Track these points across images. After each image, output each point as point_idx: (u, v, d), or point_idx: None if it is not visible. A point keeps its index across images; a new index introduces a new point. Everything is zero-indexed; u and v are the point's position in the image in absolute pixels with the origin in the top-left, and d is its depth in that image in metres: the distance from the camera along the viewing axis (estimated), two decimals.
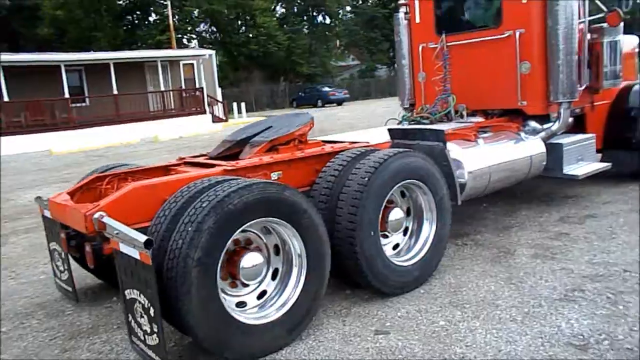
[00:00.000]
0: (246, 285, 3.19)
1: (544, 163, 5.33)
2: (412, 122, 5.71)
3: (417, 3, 6.33)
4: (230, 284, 3.16)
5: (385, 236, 3.96)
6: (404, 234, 4.08)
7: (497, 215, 5.71)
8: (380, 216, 3.63)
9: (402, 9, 6.65)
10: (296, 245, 3.23)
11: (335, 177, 3.73)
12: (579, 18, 5.78)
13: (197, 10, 41.76)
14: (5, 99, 20.10)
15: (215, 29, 45.23)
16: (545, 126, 5.53)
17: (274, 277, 3.32)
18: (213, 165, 3.87)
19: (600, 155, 6.52)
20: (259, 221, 3.05)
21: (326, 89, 39.47)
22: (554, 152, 5.59)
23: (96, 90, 22.73)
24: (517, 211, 5.78)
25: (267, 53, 43.22)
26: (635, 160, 6.35)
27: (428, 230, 4.02)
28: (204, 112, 24.32)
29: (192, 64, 25.86)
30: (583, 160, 5.82)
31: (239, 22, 43.86)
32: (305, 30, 49.39)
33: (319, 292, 3.31)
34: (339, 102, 38.45)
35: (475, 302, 3.61)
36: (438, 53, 5.92)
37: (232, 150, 4.27)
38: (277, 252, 3.33)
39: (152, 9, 39.57)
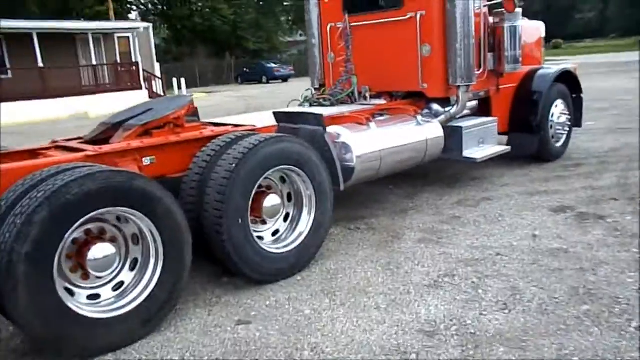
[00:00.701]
0: (99, 277, 3.04)
1: (442, 146, 5.36)
2: (314, 104, 5.63)
3: None
4: (82, 275, 3.00)
5: (264, 222, 3.89)
6: (285, 220, 4.01)
7: (399, 197, 5.74)
8: (249, 203, 3.54)
9: None
10: (154, 234, 3.10)
11: (207, 162, 3.60)
12: (479, 2, 5.83)
13: None
14: None
15: (157, 1, 43.58)
16: (445, 109, 5.57)
17: (132, 268, 3.18)
18: (80, 150, 3.66)
19: (505, 138, 6.70)
20: (106, 210, 2.90)
21: (271, 65, 38.93)
22: (454, 135, 5.65)
23: (21, 62, 21.46)
24: (419, 194, 5.83)
25: (211, 27, 42.12)
26: (536, 142, 6.52)
27: (307, 217, 3.96)
28: (140, 88, 23.46)
29: (128, 37, 24.81)
30: (484, 143, 5.91)
31: None
32: (254, 4, 48.29)
33: (178, 282, 3.20)
34: (284, 79, 38.04)
35: (347, 290, 3.60)
36: (341, 33, 5.82)
37: (107, 133, 4.06)
38: (136, 242, 3.18)
39: None
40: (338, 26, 6.09)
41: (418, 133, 5.09)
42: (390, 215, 5.15)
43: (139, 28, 24.91)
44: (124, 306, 3.02)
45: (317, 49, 6.57)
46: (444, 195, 5.71)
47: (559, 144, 6.99)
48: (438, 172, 6.71)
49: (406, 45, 5.54)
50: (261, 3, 48.54)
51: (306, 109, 4.81)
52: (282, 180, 3.97)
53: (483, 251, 4.10)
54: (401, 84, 5.78)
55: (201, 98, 25.59)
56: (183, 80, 27.16)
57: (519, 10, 5.98)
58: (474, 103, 6.18)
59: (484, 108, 6.33)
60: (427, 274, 3.76)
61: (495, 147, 5.95)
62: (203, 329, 3.18)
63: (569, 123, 7.06)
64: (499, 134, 6.65)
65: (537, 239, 4.27)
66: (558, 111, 6.81)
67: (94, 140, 4.02)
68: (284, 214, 4.00)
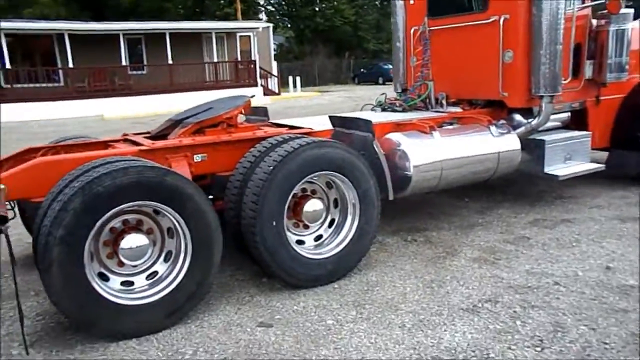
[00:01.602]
0: (134, 266, 3.23)
1: (517, 160, 4.96)
2: (386, 109, 5.50)
3: None
4: (118, 262, 3.21)
5: (307, 226, 3.88)
6: (330, 226, 3.97)
7: (471, 211, 5.42)
8: (286, 207, 3.54)
9: None
10: (184, 229, 3.23)
11: (251, 163, 3.67)
12: (582, 3, 5.32)
13: None
14: (71, 65, 21.25)
15: (281, 2, 45.31)
16: (526, 121, 5.16)
17: (166, 259, 3.34)
18: (138, 145, 3.92)
19: (605, 155, 6.04)
20: (139, 203, 3.07)
21: (388, 66, 38.62)
22: (536, 149, 5.22)
23: (155, 59, 23.51)
24: (494, 209, 5.46)
25: (333, 27, 42.89)
26: None
27: (350, 224, 3.88)
28: (256, 85, 24.55)
29: (249, 36, 26.09)
30: (572, 159, 5.39)
31: None
32: (375, 5, 48.36)
33: (204, 278, 3.30)
34: None
35: (379, 303, 3.47)
36: (419, 36, 5.62)
37: (170, 129, 4.29)
38: (171, 235, 3.33)
39: None
40: (421, 30, 5.90)
41: (489, 145, 4.75)
42: (454, 230, 4.88)
43: (258, 28, 26.09)
44: (152, 295, 3.18)
45: (401, 52, 6.39)
46: (521, 213, 5.28)
47: None
48: (523, 187, 6.23)
49: (488, 50, 5.20)
50: (383, 4, 48.40)
51: (357, 113, 4.70)
52: (329, 185, 3.92)
53: (540, 278, 3.73)
54: (480, 92, 5.44)
55: (312, 97, 26.23)
56: (298, 79, 27.97)
57: (628, 11, 5.35)
58: (565, 115, 5.65)
59: (579, 121, 5.76)
60: (469, 296, 3.50)
61: (584, 165, 5.38)
62: (225, 327, 3.25)
63: None
64: (601, 149, 6.05)
65: (610, 272, 3.79)
66: None
67: (158, 136, 4.27)
68: (329, 219, 3.96)
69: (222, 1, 39.86)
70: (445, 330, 3.07)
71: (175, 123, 4.27)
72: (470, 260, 4.12)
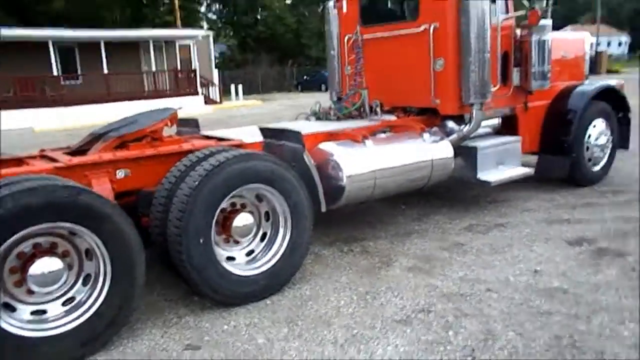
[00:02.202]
0: (47, 293, 3.00)
1: (451, 167, 5.01)
2: (320, 118, 5.45)
3: None
4: (27, 291, 2.96)
5: (237, 242, 3.74)
6: (262, 240, 3.85)
7: (407, 219, 5.43)
8: (213, 222, 3.40)
9: None
10: (103, 251, 3.03)
11: (176, 178, 3.50)
12: (505, 13, 5.46)
13: None
14: None
15: (222, 10, 44.90)
16: (458, 128, 5.23)
17: (85, 283, 3.12)
18: (55, 161, 3.67)
19: (535, 159, 6.23)
20: (51, 225, 2.85)
21: None
22: (468, 155, 5.31)
23: (90, 68, 22.65)
24: (431, 215, 5.50)
25: (275, 35, 42.83)
26: (567, 165, 6.00)
27: (281, 238, 3.77)
28: (197, 94, 24.11)
29: (189, 45, 25.60)
30: (504, 164, 5.51)
31: (247, 3, 43.26)
32: (319, 11, 48.69)
33: (127, 302, 3.10)
34: None
35: (312, 319, 3.38)
36: (352, 45, 5.62)
37: (92, 144, 4.06)
38: (90, 258, 3.12)
39: None
40: (353, 38, 5.90)
41: (422, 152, 4.77)
42: (390, 238, 4.87)
43: (197, 36, 25.65)
44: (66, 323, 2.96)
45: (336, 60, 6.38)
46: (456, 219, 5.34)
47: (596, 168, 6.41)
48: (458, 192, 6.33)
49: (419, 58, 5.25)
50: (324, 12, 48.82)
51: (286, 124, 4.63)
52: (259, 198, 3.80)
53: (473, 285, 3.75)
54: (414, 100, 5.49)
55: (254, 105, 26.02)
56: (240, 87, 27.70)
57: (547, 22, 5.54)
58: (496, 121, 5.79)
59: (510, 126, 5.91)
60: (402, 307, 3.47)
61: (516, 170, 5.52)
62: (150, 352, 3.07)
63: (610, 145, 6.48)
64: (531, 154, 6.24)
65: (537, 275, 3.87)
66: (596, 131, 6.25)
67: (78, 151, 4.03)
68: (260, 233, 3.84)
69: (161, 9, 38.99)
70: (378, 344, 3.02)
71: (96, 137, 4.04)
72: (405, 270, 4.11)
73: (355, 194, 4.39)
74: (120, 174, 3.67)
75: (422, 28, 5.17)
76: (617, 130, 6.55)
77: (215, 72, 28.71)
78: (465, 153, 5.31)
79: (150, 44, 23.70)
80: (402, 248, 4.60)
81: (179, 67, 25.27)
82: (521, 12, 5.37)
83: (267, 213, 3.84)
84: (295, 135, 3.96)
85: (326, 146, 4.41)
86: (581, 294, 3.53)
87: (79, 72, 22.98)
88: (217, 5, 45.60)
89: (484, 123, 5.64)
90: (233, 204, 3.71)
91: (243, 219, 3.64)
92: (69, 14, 35.34)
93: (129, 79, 22.88)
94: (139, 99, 22.35)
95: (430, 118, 5.41)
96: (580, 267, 3.97)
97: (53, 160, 3.75)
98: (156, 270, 3.82)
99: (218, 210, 3.43)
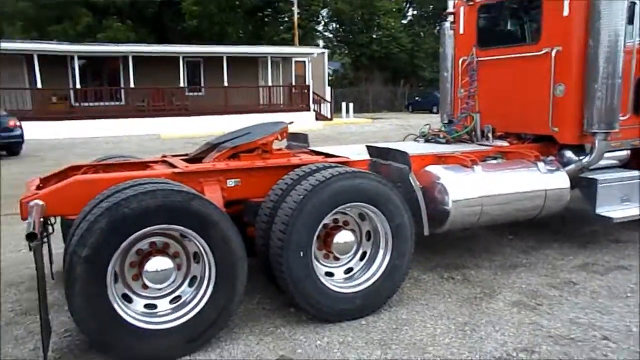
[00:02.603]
0: (159, 289, 3.22)
1: (566, 199, 4.68)
2: (429, 140, 5.36)
3: (462, 13, 5.90)
4: (143, 285, 3.20)
5: (337, 258, 3.77)
6: (361, 259, 3.84)
7: (515, 250, 5.14)
8: (315, 237, 3.46)
9: (450, 18, 6.22)
10: (208, 255, 3.20)
11: (282, 191, 3.61)
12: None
13: (323, 9, 42.74)
14: (132, 85, 22.24)
15: (339, 28, 45.91)
16: (577, 158, 4.88)
17: (191, 284, 3.31)
18: (174, 167, 3.95)
19: None
20: (165, 227, 3.06)
21: None
22: (588, 188, 4.93)
23: (212, 81, 24.23)
24: (541, 249, 5.15)
25: (389, 54, 42.94)
26: None
27: (381, 259, 3.74)
28: (308, 110, 24.82)
29: (304, 62, 26.50)
30: (630, 201, 5.04)
31: (363, 23, 43.80)
32: (434, 32, 48.13)
33: (228, 306, 3.24)
34: None
35: (406, 344, 3.30)
36: (466, 67, 5.47)
37: (208, 152, 4.32)
38: (197, 260, 3.31)
39: (279, 6, 41.13)
40: (470, 60, 5.75)
41: (535, 182, 4.51)
42: (494, 269, 4.63)
43: (313, 53, 26.46)
44: (173, 320, 3.15)
45: (449, 82, 6.26)
46: (570, 255, 4.96)
47: None
48: (574, 227, 5.87)
49: (538, 83, 4.99)
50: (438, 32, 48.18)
51: (397, 144, 4.56)
52: (362, 217, 3.81)
53: (586, 330, 3.45)
54: (529, 126, 5.21)
55: (364, 123, 26.20)
56: (351, 105, 28.09)
57: None
58: (624, 153, 5.31)
59: (637, 160, 5.41)
60: (503, 343, 3.28)
61: None
62: (244, 357, 3.17)
63: None
64: None
65: None
66: None
67: (195, 158, 4.31)
68: (360, 252, 3.84)
69: (281, 27, 40.81)
70: None
71: (212, 147, 4.29)
72: (509, 304, 3.88)
73: (461, 219, 4.24)
74: (230, 183, 3.86)
75: (543, 51, 4.91)
76: None
77: (328, 89, 29.38)
78: (584, 185, 4.94)
79: (268, 59, 24.84)
80: (506, 280, 4.35)
81: (293, 83, 26.21)
82: None
83: (368, 232, 3.83)
84: (402, 156, 3.92)
85: (433, 169, 4.32)
86: None
87: (202, 84, 24.64)
88: (335, 25, 46.72)
89: (609, 155, 5.24)
90: (335, 220, 3.74)
91: (344, 237, 3.66)
92: (199, 31, 38.29)
93: (247, 93, 24.13)
94: (254, 112, 23.48)
95: (547, 146, 5.09)
96: None
97: (172, 166, 4.04)
98: (259, 279, 3.94)
99: (320, 226, 3.48)
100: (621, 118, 4.68)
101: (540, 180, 4.54)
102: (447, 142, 5.17)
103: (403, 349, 3.24)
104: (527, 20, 5.40)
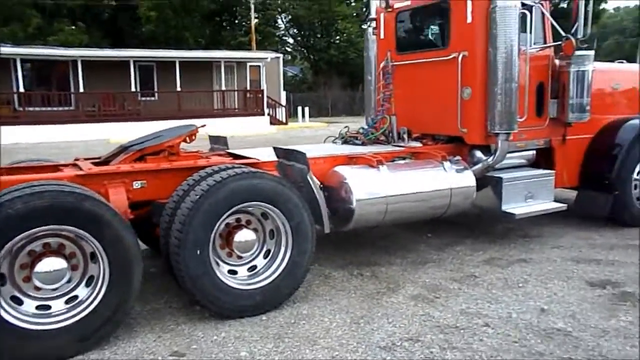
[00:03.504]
0: (53, 289, 3.24)
1: (472, 197, 4.92)
2: (348, 142, 5.53)
3: (382, 19, 6.11)
4: (35, 287, 3.22)
5: (240, 257, 3.87)
6: (265, 257, 3.95)
7: (429, 247, 5.35)
8: (212, 236, 3.56)
9: (372, 24, 6.43)
10: (102, 255, 3.25)
11: (184, 191, 3.70)
12: (543, 42, 5.35)
13: (280, 15, 42.91)
14: (82, 90, 21.83)
15: (297, 33, 46.13)
16: (484, 158, 5.14)
17: (88, 284, 3.35)
18: (80, 169, 3.98)
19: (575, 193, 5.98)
20: (55, 227, 3.10)
21: None
22: (494, 186, 5.18)
23: (166, 86, 24.01)
24: (454, 245, 5.38)
25: (347, 59, 43.37)
26: (609, 203, 5.69)
27: (282, 256, 3.86)
28: (263, 114, 24.89)
29: (259, 66, 26.55)
30: (533, 198, 5.32)
31: (322, 27, 44.14)
32: None
33: (123, 304, 3.30)
34: None
35: (299, 337, 3.43)
36: (381, 71, 5.68)
37: (119, 155, 4.36)
38: (95, 260, 3.35)
39: (237, 10, 41.08)
40: (389, 65, 5.96)
41: (440, 181, 4.73)
42: (404, 265, 4.82)
43: (267, 58, 26.54)
44: (65, 319, 3.19)
45: (372, 86, 6.46)
46: (480, 250, 5.20)
47: None
48: (490, 224, 6.15)
49: (448, 86, 5.23)
50: None
51: (295, 146, 4.69)
52: (265, 216, 3.92)
53: (471, 319, 3.65)
54: (441, 127, 5.45)
55: (319, 127, 26.40)
56: (307, 109, 28.28)
57: (588, 53, 5.34)
58: (530, 153, 5.60)
59: (547, 159, 5.72)
60: (392, 334, 3.44)
61: (546, 204, 5.32)
62: (138, 354, 3.24)
63: None
64: (572, 189, 6.00)
65: (543, 314, 3.71)
66: None
67: (104, 161, 4.34)
68: (264, 250, 3.95)
69: (239, 32, 40.73)
70: None
71: (123, 149, 4.34)
72: (408, 298, 4.06)
73: (366, 217, 4.42)
74: (136, 185, 3.91)
75: (451, 56, 5.16)
76: None
77: (284, 93, 29.51)
78: (492, 184, 5.19)
79: (221, 64, 24.81)
80: (413, 276, 4.54)
81: (248, 88, 26.22)
82: (557, 43, 5.22)
83: (272, 231, 3.95)
84: (301, 156, 4.06)
85: (341, 169, 4.48)
86: (584, 338, 3.35)
87: (156, 89, 24.40)
88: (294, 29, 46.93)
89: (518, 154, 5.53)
90: (238, 220, 3.85)
91: (244, 235, 3.76)
92: (156, 36, 37.80)
93: (201, 97, 24.01)
94: (209, 116, 23.34)
95: (458, 147, 5.34)
96: (593, 311, 3.76)
97: (80, 168, 4.07)
98: (168, 279, 4.01)
99: (218, 225, 3.58)
100: (519, 120, 4.93)
101: (446, 179, 4.76)
102: (363, 144, 5.35)
103: (295, 342, 3.36)
104: (438, 26, 5.64)
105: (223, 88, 24.83)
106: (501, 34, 4.72)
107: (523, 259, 4.94)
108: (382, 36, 6.15)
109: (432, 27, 5.76)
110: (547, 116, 5.48)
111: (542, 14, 5.31)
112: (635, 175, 5.83)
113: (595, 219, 6.00)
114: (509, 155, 5.37)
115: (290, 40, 48.72)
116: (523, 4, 4.94)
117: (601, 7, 43.39)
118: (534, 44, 5.27)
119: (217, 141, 5.40)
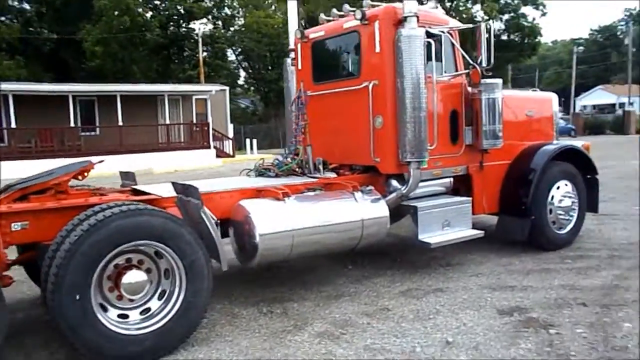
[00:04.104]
0: None
1: (386, 228, 4.84)
2: (263, 174, 5.39)
3: (299, 49, 6.08)
4: None
5: (131, 299, 3.61)
6: (160, 298, 3.71)
7: (347, 280, 5.21)
8: (94, 279, 3.31)
9: (292, 55, 6.40)
10: None
11: (67, 232, 3.44)
12: (455, 70, 5.42)
13: (230, 47, 43.08)
14: (13, 125, 21.01)
15: (248, 66, 46.37)
16: (399, 187, 5.09)
17: None
18: None
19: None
20: None
21: None
22: (411, 215, 5.12)
23: (108, 120, 23.42)
24: (373, 277, 5.26)
25: None
26: (526, 228, 5.73)
27: (176, 297, 3.64)
28: (209, 147, 24.57)
29: (205, 99, 26.33)
30: (450, 226, 5.29)
31: (272, 60, 44.46)
32: None
33: None
34: None
35: None
36: (294, 101, 5.62)
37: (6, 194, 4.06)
38: None
39: (185, 44, 41.02)
40: (309, 94, 5.90)
41: (350, 212, 4.62)
42: (319, 300, 4.66)
43: (211, 91, 26.38)
44: None
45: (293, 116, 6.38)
46: (398, 282, 5.10)
47: (563, 231, 6.12)
48: (414, 254, 6.07)
49: (361, 116, 5.20)
50: None
51: (189, 182, 4.52)
52: (159, 255, 3.70)
53: (374, 355, 3.52)
54: (356, 157, 5.40)
55: (266, 159, 26.26)
56: (255, 141, 28.15)
57: (496, 81, 5.45)
58: (447, 180, 5.61)
59: (467, 186, 5.74)
60: None
61: (462, 232, 5.30)
62: None
63: (577, 208, 6.20)
64: (493, 214, 6.03)
65: (447, 347, 3.60)
66: (560, 193, 6.01)
67: None
68: (159, 291, 3.71)
69: (186, 65, 40.55)
70: None
71: (9, 188, 4.05)
72: (314, 335, 3.89)
73: (272, 252, 4.25)
74: (16, 226, 3.63)
75: (363, 85, 5.15)
76: (584, 192, 6.28)
77: (231, 126, 29.31)
78: (408, 213, 5.14)
79: (165, 98, 24.47)
80: (324, 311, 4.38)
81: (194, 121, 25.90)
82: (465, 71, 5.30)
83: (167, 270, 3.72)
84: (194, 191, 3.88)
85: (245, 203, 4.32)
86: None
87: (97, 123, 23.77)
88: (245, 62, 47.10)
89: (437, 182, 5.53)
90: (129, 260, 3.62)
91: (133, 277, 3.54)
92: (102, 69, 37.14)
93: (145, 131, 23.49)
94: (154, 150, 22.89)
95: (374, 177, 5.28)
96: (497, 340, 3.70)
97: None
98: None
99: (100, 267, 3.34)
100: (429, 148, 4.92)
101: (357, 210, 4.66)
102: (277, 176, 5.22)
103: None
104: (350, 56, 5.64)
105: (167, 122, 24.40)
106: (407, 63, 4.73)
107: (440, 288, 4.87)
108: (299, 67, 6.11)
109: (345, 56, 5.76)
110: (462, 143, 5.52)
111: (452, 43, 5.39)
112: (549, 200, 5.92)
113: (517, 243, 6.03)
114: (427, 183, 5.38)
115: (243, 73, 48.94)
116: (430, 34, 5.00)
117: (537, 40, 45.57)
118: (445, 72, 5.34)
119: (127, 177, 5.17)
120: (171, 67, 40.82)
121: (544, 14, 45.09)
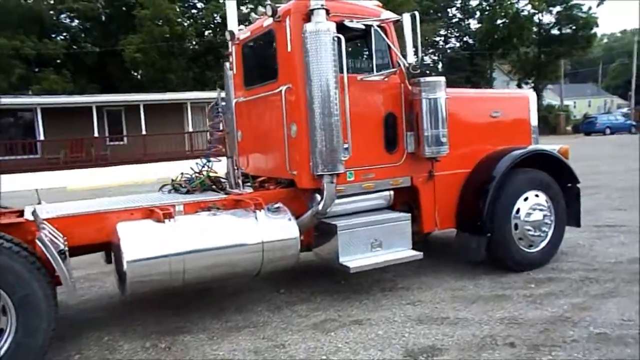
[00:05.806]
0: None
1: (294, 250, 4.26)
2: (176, 189, 4.92)
3: (233, 52, 5.60)
4: None
5: None
6: None
7: (268, 307, 4.65)
8: None
9: (230, 59, 5.91)
10: None
11: None
12: (392, 68, 4.75)
13: None
14: (42, 137, 21.65)
15: None
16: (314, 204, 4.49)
17: None
18: None
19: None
20: None
21: None
22: (332, 235, 4.52)
23: (136, 130, 23.78)
24: (294, 305, 4.67)
25: None
26: (482, 246, 4.98)
27: (5, 338, 3.21)
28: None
29: None
30: (382, 246, 4.64)
31: None
32: None
33: None
34: None
35: None
36: (211, 108, 5.13)
37: None
38: None
39: (222, 51, 41.31)
40: (240, 100, 5.41)
41: (248, 234, 4.08)
42: (218, 332, 4.15)
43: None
44: None
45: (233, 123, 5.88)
46: (319, 311, 4.50)
47: (533, 249, 5.30)
48: (365, 275, 5.35)
49: (277, 123, 4.66)
50: None
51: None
52: None
53: None
54: (274, 170, 4.86)
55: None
56: None
57: (438, 79, 4.76)
58: (386, 194, 4.95)
59: (412, 200, 5.07)
60: None
61: (397, 253, 4.63)
62: None
63: (552, 222, 5.36)
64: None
65: None
66: (528, 205, 5.21)
67: None
68: None
69: (222, 72, 40.87)
70: None
71: None
72: None
73: (145, 281, 3.77)
74: None
75: (278, 89, 4.59)
76: (562, 204, 5.43)
77: None
78: (328, 233, 4.53)
79: (187, 105, 24.61)
80: (211, 348, 3.86)
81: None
82: (390, 71, 4.63)
83: (3, 307, 3.31)
84: (36, 215, 3.45)
85: (120, 226, 3.86)
86: None
87: (124, 133, 24.18)
88: None
89: (375, 196, 4.90)
90: None
91: None
92: (144, 81, 38.02)
93: (172, 139, 23.68)
94: (181, 158, 22.95)
95: (297, 192, 4.69)
96: None
97: None
98: None
99: None
100: (344, 158, 4.29)
101: (256, 232, 4.11)
102: (188, 192, 4.74)
103: None
104: (270, 57, 5.08)
105: (191, 129, 24.52)
106: (314, 62, 4.13)
107: (359, 320, 4.23)
108: (234, 71, 5.61)
109: (267, 58, 5.20)
110: (403, 151, 4.86)
111: (383, 38, 4.73)
112: (514, 213, 5.14)
113: (484, 263, 5.26)
114: (359, 197, 4.78)
115: None
116: (348, 28, 4.39)
117: (592, 32, 43.04)
118: (380, 70, 4.66)
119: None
120: (207, 75, 41.19)
121: (601, 2, 42.18)
